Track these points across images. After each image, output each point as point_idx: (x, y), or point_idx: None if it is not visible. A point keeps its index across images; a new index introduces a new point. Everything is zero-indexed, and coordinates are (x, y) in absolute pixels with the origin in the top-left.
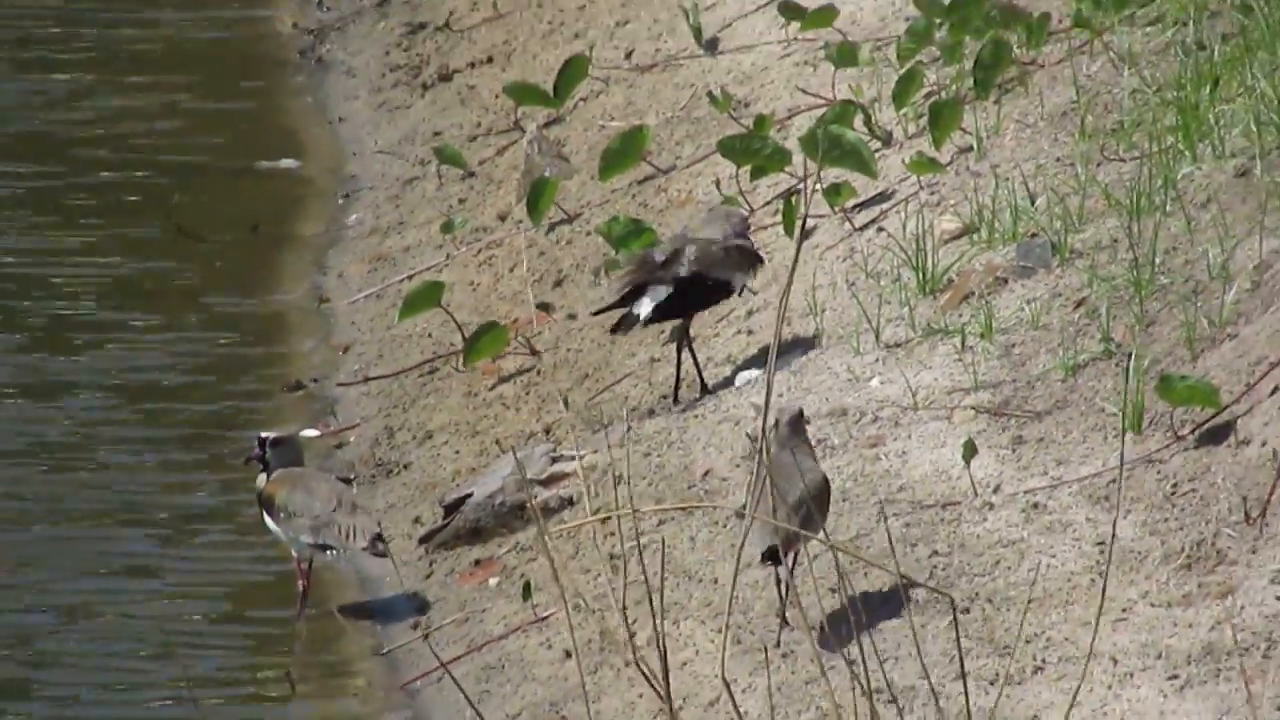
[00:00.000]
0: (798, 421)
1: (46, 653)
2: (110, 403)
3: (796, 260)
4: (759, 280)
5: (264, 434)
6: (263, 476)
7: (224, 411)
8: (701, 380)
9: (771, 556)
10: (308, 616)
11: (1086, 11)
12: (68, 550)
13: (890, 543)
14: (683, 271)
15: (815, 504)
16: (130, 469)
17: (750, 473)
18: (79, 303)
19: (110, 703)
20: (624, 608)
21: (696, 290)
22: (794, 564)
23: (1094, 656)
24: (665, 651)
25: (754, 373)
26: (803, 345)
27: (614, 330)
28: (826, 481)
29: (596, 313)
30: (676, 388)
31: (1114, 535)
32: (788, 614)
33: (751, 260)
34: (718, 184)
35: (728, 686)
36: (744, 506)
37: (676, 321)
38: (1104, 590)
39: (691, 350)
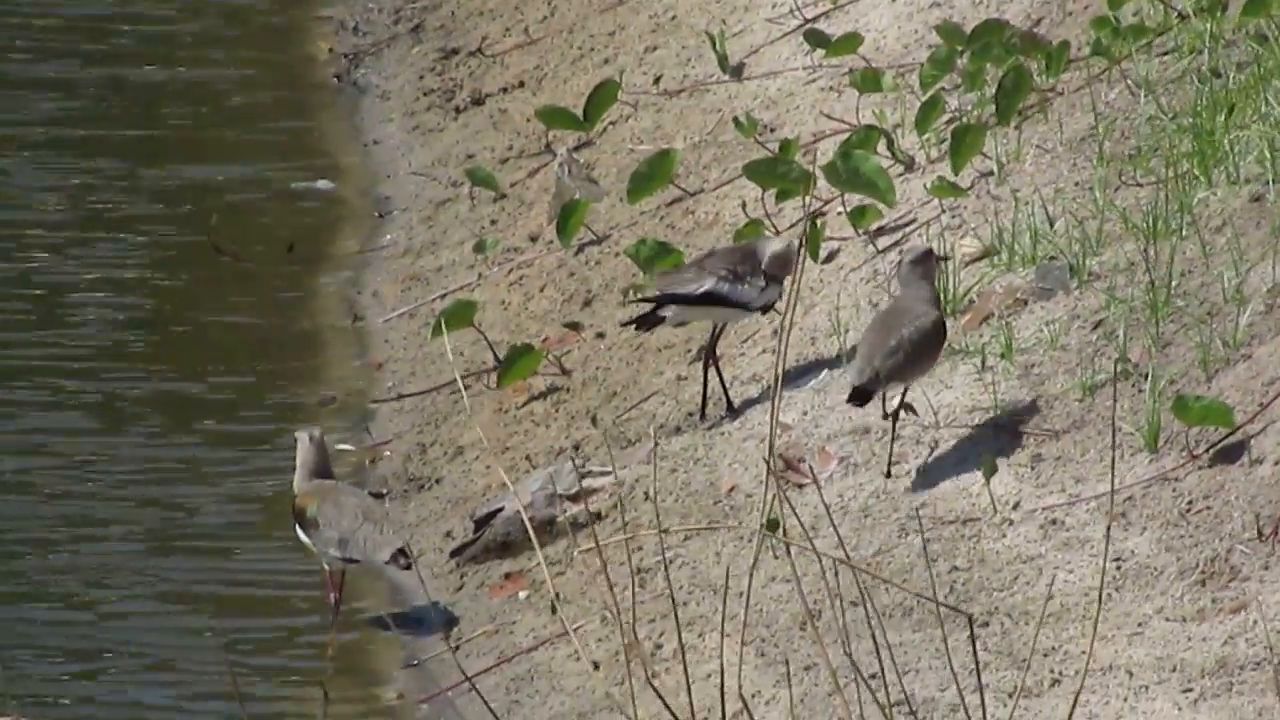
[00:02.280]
0: (921, 261)
1: (95, 664)
2: (150, 419)
3: (798, 282)
4: (782, 301)
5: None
6: (296, 485)
7: (260, 426)
8: (728, 399)
9: (857, 398)
10: (340, 627)
11: (1105, 40)
12: (108, 561)
13: (928, 562)
14: (706, 285)
15: (913, 348)
16: (169, 484)
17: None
18: (119, 321)
19: (151, 703)
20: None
21: (713, 304)
22: (900, 406)
23: (1108, 670)
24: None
25: (786, 390)
26: (827, 364)
27: (638, 328)
28: (935, 325)
29: (626, 324)
30: (704, 406)
31: (1108, 547)
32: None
33: (772, 274)
34: (744, 207)
35: (745, 703)
36: (766, 524)
37: (705, 337)
38: (1100, 601)
39: (718, 369)
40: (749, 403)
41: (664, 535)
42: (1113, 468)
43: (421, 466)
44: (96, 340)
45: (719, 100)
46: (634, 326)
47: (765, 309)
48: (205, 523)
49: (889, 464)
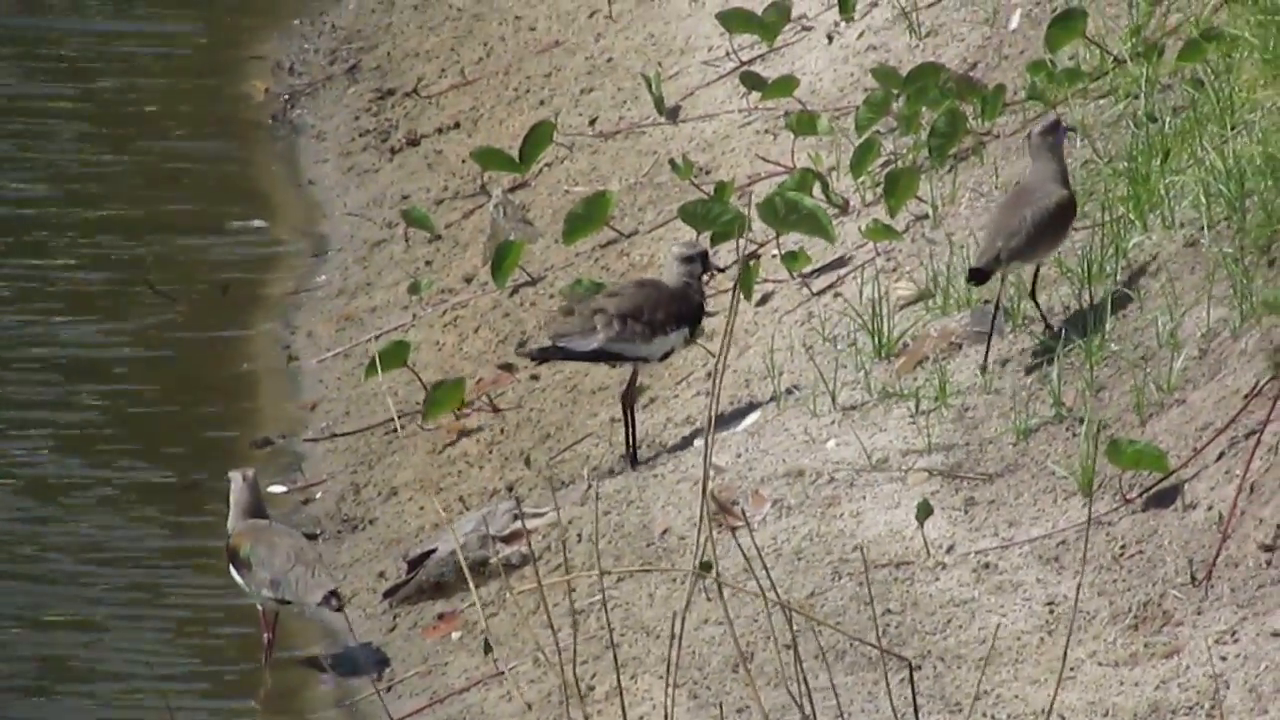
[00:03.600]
0: (1049, 132)
1: (16, 698)
2: (82, 461)
3: (730, 327)
4: (716, 343)
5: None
6: (231, 525)
7: (194, 466)
8: (634, 451)
9: (974, 278)
10: (273, 667)
11: (1040, 84)
12: (38, 600)
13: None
14: (595, 343)
15: (1035, 229)
16: (100, 523)
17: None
18: (52, 358)
19: None
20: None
21: (604, 360)
22: (1033, 289)
23: (1040, 714)
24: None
25: (719, 432)
26: (761, 407)
27: (533, 360)
28: (1060, 204)
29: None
30: (632, 448)
31: (1076, 600)
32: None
33: (682, 318)
34: None
35: None
36: (700, 567)
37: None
38: (1067, 648)
39: (632, 413)
40: (683, 444)
41: (600, 577)
42: (1090, 512)
43: (355, 507)
44: (25, 379)
45: (654, 142)
46: (530, 359)
47: (666, 356)
48: (137, 559)
49: (984, 358)
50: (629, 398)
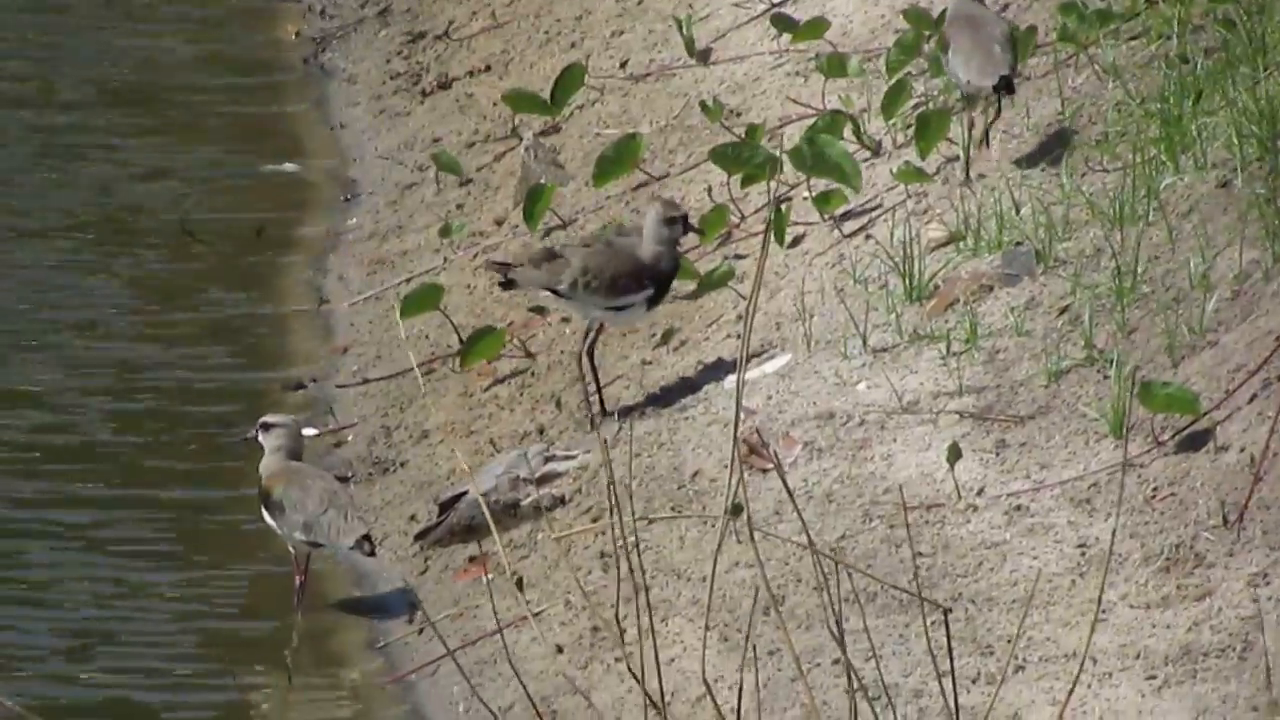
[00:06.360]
0: None
1: (55, 647)
2: (116, 403)
3: (761, 270)
4: (746, 286)
5: (264, 419)
6: (263, 467)
7: (227, 411)
8: (591, 403)
9: (1006, 85)
10: (305, 609)
11: (1072, 25)
12: (75, 546)
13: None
14: (561, 288)
15: (1015, 43)
16: (135, 468)
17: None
18: (88, 305)
19: (114, 688)
20: (617, 604)
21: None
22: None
23: (1071, 657)
24: (657, 649)
25: (749, 374)
26: (791, 350)
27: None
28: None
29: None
30: (600, 403)
31: (1112, 543)
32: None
33: (643, 285)
34: (709, 191)
35: (709, 686)
36: (730, 510)
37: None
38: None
39: (594, 367)
40: (713, 387)
41: (632, 521)
42: (1124, 454)
43: (386, 450)
44: (57, 320)
45: (685, 85)
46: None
47: (621, 312)
48: (170, 503)
49: (985, 137)
50: (590, 351)
